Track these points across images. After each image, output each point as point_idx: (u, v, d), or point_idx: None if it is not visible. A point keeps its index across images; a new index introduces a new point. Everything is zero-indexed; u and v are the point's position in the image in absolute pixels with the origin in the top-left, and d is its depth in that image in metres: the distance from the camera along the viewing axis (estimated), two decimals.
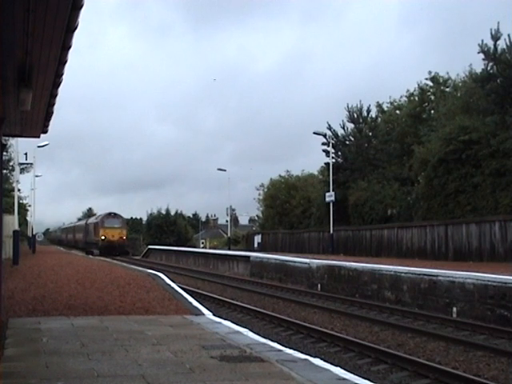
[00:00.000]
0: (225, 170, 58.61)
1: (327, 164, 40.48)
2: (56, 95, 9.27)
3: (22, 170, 47.10)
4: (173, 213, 78.28)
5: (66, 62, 7.58)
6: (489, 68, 29.53)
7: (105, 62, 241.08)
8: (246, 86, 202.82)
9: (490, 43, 29.05)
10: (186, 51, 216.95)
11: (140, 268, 26.77)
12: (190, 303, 13.63)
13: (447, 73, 40.15)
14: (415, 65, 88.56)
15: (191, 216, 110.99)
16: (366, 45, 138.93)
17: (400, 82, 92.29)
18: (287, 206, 51.95)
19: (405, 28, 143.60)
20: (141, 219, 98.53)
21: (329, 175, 38.34)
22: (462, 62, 69.86)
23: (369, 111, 42.92)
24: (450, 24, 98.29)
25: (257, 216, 72.42)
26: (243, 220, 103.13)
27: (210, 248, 65.70)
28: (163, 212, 77.60)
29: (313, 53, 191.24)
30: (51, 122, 11.27)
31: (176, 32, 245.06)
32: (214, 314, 12.13)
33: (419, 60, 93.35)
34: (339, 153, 42.75)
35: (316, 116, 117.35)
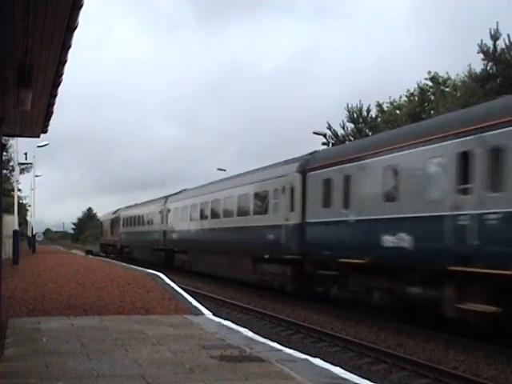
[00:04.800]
0: (224, 170, 58.32)
1: None
2: (56, 95, 9.28)
3: (22, 170, 47.14)
4: None
5: (65, 61, 7.60)
6: (488, 68, 29.54)
7: (111, 59, 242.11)
8: (251, 84, 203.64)
9: (490, 43, 29.08)
10: (194, 48, 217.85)
11: (140, 268, 26.77)
12: (190, 303, 13.64)
13: (447, 73, 40.16)
14: (417, 64, 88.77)
15: None
16: (373, 44, 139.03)
17: (402, 82, 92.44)
18: None
19: (412, 28, 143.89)
20: None
21: None
22: (461, 61, 70.01)
23: (369, 111, 42.90)
24: (449, 23, 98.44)
25: None
26: None
27: None
28: None
29: (321, 51, 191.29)
30: (52, 122, 11.29)
31: (184, 28, 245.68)
32: (213, 314, 12.14)
33: (421, 60, 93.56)
34: None
35: (318, 115, 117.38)
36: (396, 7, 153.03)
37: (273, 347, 8.48)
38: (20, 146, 37.09)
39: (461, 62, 75.46)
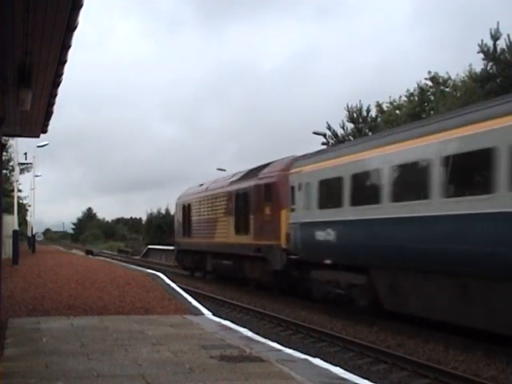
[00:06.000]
0: (224, 170, 58.31)
1: None
2: (56, 95, 9.28)
3: (22, 170, 47.11)
4: (172, 212, 78.08)
5: (65, 61, 7.60)
6: (488, 68, 29.53)
7: (111, 59, 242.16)
8: (251, 84, 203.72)
9: (490, 43, 29.08)
10: (194, 48, 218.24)
11: (140, 268, 26.77)
12: (190, 303, 13.64)
13: (447, 73, 40.16)
14: (417, 64, 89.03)
15: None
16: (374, 44, 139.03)
17: (402, 82, 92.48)
18: None
19: (413, 28, 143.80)
20: (140, 219, 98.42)
21: None
22: (461, 61, 70.07)
23: (368, 111, 42.87)
24: (450, 23, 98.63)
25: None
26: None
27: None
28: (163, 212, 77.46)
29: (321, 51, 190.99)
30: (52, 122, 11.30)
31: (185, 28, 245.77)
32: (213, 314, 12.14)
33: (421, 60, 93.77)
34: None
35: (318, 115, 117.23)
36: (398, 7, 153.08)
37: (273, 347, 8.48)
38: (20, 146, 37.19)
39: (461, 62, 75.57)
